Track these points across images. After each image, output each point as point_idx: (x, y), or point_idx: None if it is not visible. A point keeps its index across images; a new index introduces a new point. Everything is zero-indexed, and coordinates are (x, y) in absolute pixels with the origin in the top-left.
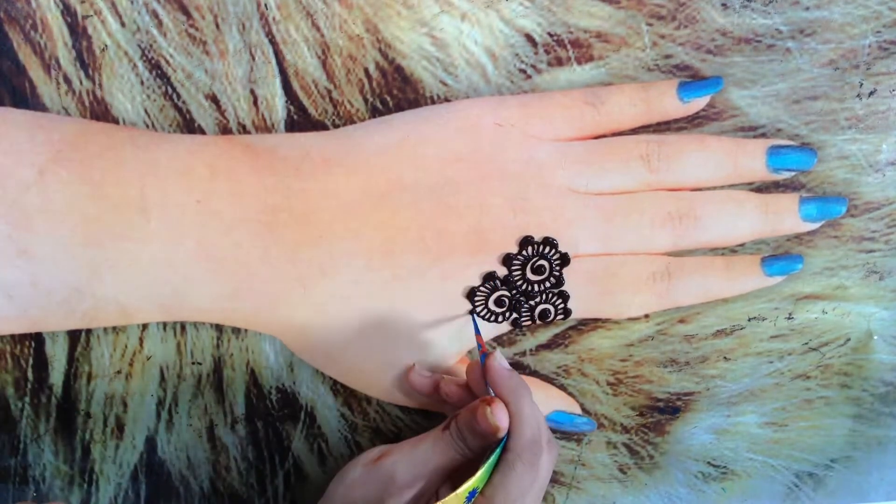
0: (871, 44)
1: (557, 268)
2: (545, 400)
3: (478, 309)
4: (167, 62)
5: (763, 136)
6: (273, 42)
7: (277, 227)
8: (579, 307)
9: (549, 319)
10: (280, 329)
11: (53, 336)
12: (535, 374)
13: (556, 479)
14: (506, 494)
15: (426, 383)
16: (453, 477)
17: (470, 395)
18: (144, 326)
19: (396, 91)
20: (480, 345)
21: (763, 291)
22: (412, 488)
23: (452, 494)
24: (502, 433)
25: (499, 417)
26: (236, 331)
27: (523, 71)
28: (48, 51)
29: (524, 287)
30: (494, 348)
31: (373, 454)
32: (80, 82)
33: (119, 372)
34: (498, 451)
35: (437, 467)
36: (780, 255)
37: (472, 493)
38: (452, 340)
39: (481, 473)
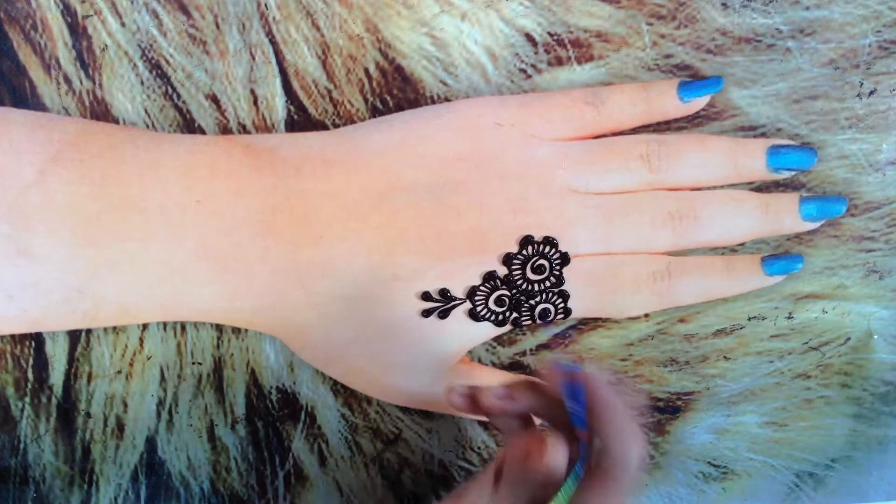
0: (872, 43)
1: (558, 267)
2: None
3: (478, 308)
4: (167, 62)
5: (763, 135)
6: (273, 42)
7: (277, 227)
8: (579, 307)
9: (550, 319)
10: (280, 329)
11: (53, 336)
12: (535, 374)
13: None
14: None
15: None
16: None
17: (475, 405)
18: (144, 326)
19: (396, 91)
20: (584, 441)
21: (763, 291)
22: None
23: None
24: (561, 469)
25: (555, 458)
26: (236, 331)
27: (523, 71)
28: (48, 51)
29: (524, 286)
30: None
31: None
32: (80, 82)
33: (119, 372)
34: (571, 480)
35: None
36: (780, 254)
37: None
38: (453, 340)
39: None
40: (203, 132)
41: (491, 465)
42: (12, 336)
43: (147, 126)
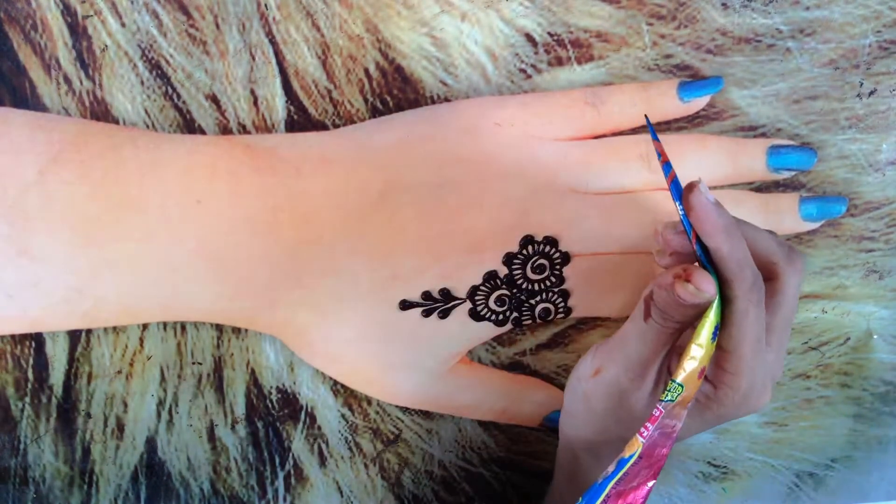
0: (871, 43)
1: (558, 267)
2: (545, 400)
3: (478, 308)
4: (167, 62)
5: (763, 135)
6: (273, 42)
7: (277, 227)
8: (579, 306)
9: (550, 318)
10: (280, 329)
11: (53, 336)
12: (535, 373)
13: None
14: (750, 345)
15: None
16: (676, 348)
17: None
18: (144, 326)
19: (396, 91)
20: (660, 153)
21: None
22: (644, 385)
23: (695, 352)
24: (713, 298)
25: (704, 287)
26: (236, 331)
27: (523, 71)
28: (48, 51)
29: (525, 286)
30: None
31: (587, 370)
32: (80, 82)
33: (119, 372)
34: (717, 300)
35: (655, 355)
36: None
37: (714, 331)
38: (452, 340)
39: (714, 311)
40: (203, 132)
41: (639, 307)
42: (12, 336)
43: (147, 126)
